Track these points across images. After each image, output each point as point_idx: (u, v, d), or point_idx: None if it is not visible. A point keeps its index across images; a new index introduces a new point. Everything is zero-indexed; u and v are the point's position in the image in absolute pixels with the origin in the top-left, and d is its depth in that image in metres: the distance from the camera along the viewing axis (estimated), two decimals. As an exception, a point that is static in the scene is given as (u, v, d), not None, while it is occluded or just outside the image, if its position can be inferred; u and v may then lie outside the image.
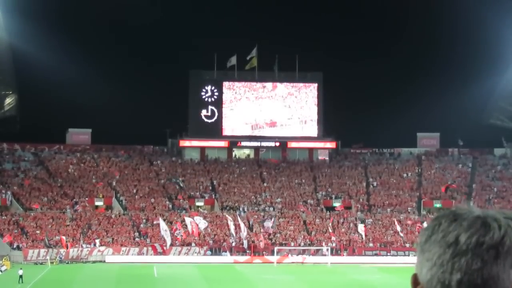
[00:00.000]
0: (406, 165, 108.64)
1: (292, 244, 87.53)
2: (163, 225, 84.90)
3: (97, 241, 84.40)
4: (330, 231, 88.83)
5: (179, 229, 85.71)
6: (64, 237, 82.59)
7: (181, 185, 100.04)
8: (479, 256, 1.78)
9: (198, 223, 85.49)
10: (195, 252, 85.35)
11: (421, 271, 1.89)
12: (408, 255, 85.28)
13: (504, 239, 1.79)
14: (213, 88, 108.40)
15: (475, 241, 1.79)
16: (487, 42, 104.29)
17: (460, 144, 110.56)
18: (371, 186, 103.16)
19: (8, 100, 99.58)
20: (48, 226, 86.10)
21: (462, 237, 1.81)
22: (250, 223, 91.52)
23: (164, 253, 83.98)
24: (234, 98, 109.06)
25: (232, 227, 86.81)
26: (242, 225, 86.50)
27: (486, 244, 1.79)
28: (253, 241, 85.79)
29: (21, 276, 60.94)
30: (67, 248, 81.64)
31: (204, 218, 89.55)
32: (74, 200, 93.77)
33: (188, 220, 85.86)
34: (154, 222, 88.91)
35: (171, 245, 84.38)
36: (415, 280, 1.92)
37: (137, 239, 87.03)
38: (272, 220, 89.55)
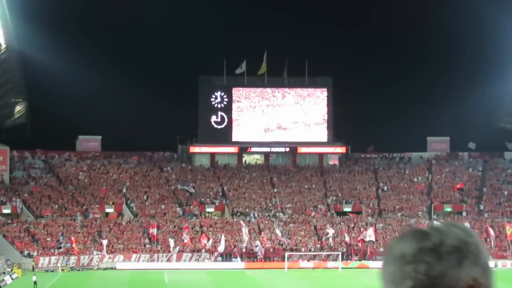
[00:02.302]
0: (416, 169, 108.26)
1: (303, 249, 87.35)
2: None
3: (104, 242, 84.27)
4: (347, 239, 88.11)
5: (186, 233, 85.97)
6: (74, 245, 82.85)
7: (191, 191, 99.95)
8: (422, 260, 1.93)
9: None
10: (206, 258, 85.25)
11: None
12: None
13: (442, 240, 1.92)
14: (222, 93, 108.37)
15: (416, 248, 1.94)
16: (497, 45, 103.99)
17: (471, 148, 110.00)
18: (381, 191, 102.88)
19: (18, 108, 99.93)
20: (58, 234, 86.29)
21: (406, 248, 1.98)
22: (260, 228, 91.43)
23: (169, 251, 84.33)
24: (248, 105, 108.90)
25: (245, 233, 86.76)
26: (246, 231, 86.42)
27: (426, 248, 1.94)
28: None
29: (35, 282, 61.27)
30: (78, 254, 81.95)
31: (215, 224, 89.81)
32: (85, 207, 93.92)
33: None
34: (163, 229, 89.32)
35: (181, 251, 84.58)
36: None
37: (147, 245, 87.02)
38: (279, 230, 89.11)
